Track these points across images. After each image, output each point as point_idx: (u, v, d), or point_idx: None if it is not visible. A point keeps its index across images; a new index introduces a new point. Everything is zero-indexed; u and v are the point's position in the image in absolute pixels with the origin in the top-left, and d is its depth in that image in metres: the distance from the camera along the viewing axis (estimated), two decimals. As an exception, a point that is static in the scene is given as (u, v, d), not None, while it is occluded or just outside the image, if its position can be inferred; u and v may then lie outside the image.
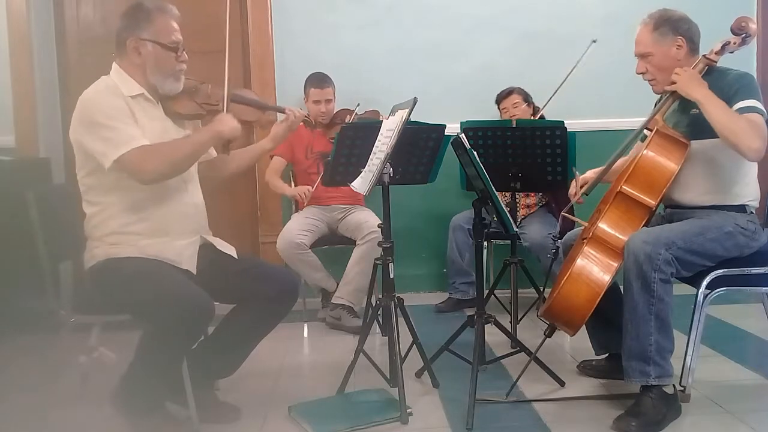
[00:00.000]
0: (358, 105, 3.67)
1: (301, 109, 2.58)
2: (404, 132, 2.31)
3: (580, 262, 2.28)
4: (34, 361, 2.93)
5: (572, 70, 3.44)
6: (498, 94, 3.82)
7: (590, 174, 2.59)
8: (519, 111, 3.72)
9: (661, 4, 2.47)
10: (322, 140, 3.70)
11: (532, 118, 3.67)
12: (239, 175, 2.73)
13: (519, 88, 3.78)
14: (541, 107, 3.70)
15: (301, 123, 2.59)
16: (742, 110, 2.19)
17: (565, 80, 3.44)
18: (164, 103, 2.30)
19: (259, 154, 2.58)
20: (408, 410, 2.33)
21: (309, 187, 3.54)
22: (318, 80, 3.70)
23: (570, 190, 2.61)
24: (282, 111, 2.52)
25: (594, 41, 3.48)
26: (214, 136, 2.24)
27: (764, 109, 2.22)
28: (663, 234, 2.25)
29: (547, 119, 3.67)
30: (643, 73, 2.44)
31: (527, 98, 3.76)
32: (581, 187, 2.55)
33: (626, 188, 2.29)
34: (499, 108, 3.83)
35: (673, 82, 2.29)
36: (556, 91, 3.46)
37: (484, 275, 3.04)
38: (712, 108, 2.18)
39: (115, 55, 2.25)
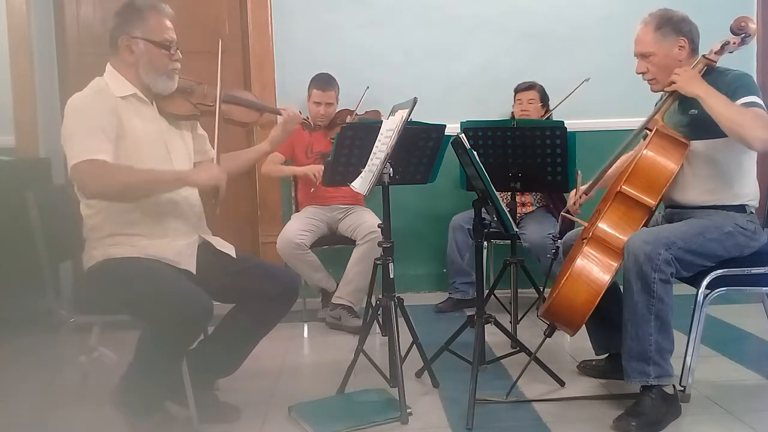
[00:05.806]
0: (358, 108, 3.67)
1: (301, 112, 2.55)
2: (404, 132, 2.31)
3: (580, 262, 2.28)
4: (34, 361, 2.93)
5: (562, 101, 3.63)
6: (519, 84, 3.80)
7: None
8: (532, 108, 3.71)
9: (662, 4, 2.46)
10: (323, 140, 3.69)
11: (541, 118, 3.67)
12: (235, 177, 2.65)
13: (540, 86, 3.76)
14: (550, 109, 3.70)
15: (299, 125, 2.57)
16: (744, 106, 2.19)
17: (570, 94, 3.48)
18: (158, 103, 2.28)
19: (258, 156, 2.56)
20: (408, 410, 2.33)
21: (320, 167, 3.43)
22: (322, 82, 3.68)
23: (569, 200, 2.61)
24: (278, 113, 2.46)
25: (587, 80, 3.66)
26: (182, 180, 2.13)
27: (765, 106, 2.21)
28: (663, 234, 2.25)
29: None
30: (643, 73, 2.44)
31: (543, 98, 3.75)
32: (580, 197, 2.56)
33: (626, 188, 2.29)
34: (515, 98, 3.82)
35: (673, 82, 2.29)
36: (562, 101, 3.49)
37: (484, 275, 3.04)
38: (714, 102, 2.18)
39: (108, 55, 2.24)
